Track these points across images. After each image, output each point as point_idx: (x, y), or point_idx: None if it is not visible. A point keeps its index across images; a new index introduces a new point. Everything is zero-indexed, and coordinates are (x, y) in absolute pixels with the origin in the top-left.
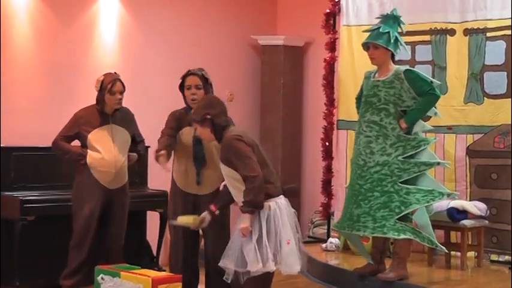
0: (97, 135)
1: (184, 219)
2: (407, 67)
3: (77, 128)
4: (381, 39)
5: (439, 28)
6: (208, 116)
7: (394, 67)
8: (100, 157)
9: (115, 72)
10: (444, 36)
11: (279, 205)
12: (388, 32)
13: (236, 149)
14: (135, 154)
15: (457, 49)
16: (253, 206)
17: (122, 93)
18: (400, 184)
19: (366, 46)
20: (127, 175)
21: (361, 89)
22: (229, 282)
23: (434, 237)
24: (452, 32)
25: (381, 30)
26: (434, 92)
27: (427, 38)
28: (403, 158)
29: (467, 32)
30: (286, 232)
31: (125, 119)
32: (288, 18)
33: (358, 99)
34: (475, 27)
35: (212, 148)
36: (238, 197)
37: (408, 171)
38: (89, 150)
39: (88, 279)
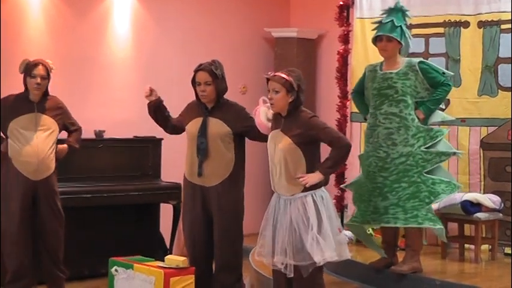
0: (19, 123)
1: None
2: (420, 59)
3: (3, 115)
4: (395, 32)
5: (452, 20)
6: (297, 89)
7: (403, 59)
8: (21, 147)
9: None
10: (458, 29)
11: (326, 194)
12: (400, 25)
13: (318, 123)
14: (65, 146)
15: (471, 41)
16: (331, 167)
17: (44, 78)
18: (425, 175)
19: (376, 38)
20: (53, 167)
21: (360, 82)
22: (291, 276)
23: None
24: (466, 25)
25: (395, 23)
26: (448, 82)
27: (440, 30)
28: (425, 148)
29: (481, 24)
30: (337, 220)
31: (53, 107)
32: (301, 11)
33: (356, 92)
34: (489, 20)
35: (217, 140)
36: (282, 188)
37: (431, 161)
38: (9, 140)
39: (35, 281)
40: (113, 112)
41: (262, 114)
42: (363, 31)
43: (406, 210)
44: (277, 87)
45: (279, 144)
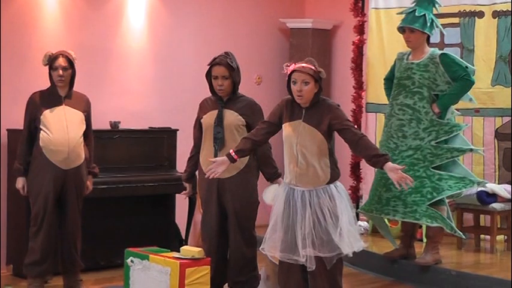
0: (49, 115)
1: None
2: (443, 51)
3: (33, 112)
4: (417, 23)
5: (467, 10)
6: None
7: (429, 50)
8: (51, 136)
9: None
10: (473, 19)
11: (342, 185)
12: (424, 15)
13: (344, 113)
14: (89, 177)
15: (485, 31)
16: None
17: (65, 69)
18: (432, 170)
19: (401, 29)
20: (83, 156)
21: (392, 70)
22: (313, 269)
23: (453, 222)
24: (481, 15)
25: (416, 13)
26: (469, 78)
27: (455, 20)
28: (435, 143)
29: (496, 14)
30: (353, 211)
31: (81, 103)
32: (316, 1)
33: (387, 80)
34: (504, 10)
35: (233, 129)
36: (306, 180)
37: (441, 156)
38: (41, 131)
39: (54, 268)
40: (128, 103)
41: (269, 195)
42: (378, 21)
43: (406, 204)
44: (308, 78)
45: (307, 136)
